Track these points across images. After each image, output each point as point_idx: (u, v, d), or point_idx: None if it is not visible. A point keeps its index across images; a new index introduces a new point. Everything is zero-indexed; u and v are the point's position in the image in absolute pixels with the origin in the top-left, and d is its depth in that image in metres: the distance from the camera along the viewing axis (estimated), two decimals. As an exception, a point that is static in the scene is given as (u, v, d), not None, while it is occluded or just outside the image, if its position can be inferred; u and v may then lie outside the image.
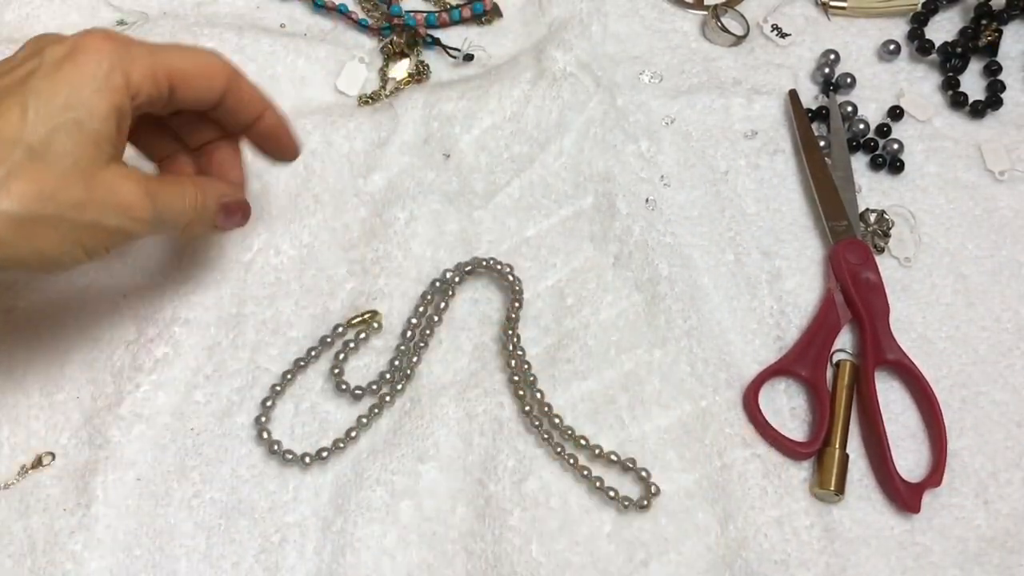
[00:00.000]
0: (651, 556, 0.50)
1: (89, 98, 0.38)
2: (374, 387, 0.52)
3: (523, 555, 0.49)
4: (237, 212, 0.47)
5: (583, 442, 0.51)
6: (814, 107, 0.63)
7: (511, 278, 0.54)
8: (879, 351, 0.55)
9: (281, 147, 0.48)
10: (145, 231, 0.42)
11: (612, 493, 0.50)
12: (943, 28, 0.67)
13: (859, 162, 0.62)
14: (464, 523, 0.50)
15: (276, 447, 0.50)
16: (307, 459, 0.50)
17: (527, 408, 0.52)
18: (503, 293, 0.56)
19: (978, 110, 0.64)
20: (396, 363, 0.53)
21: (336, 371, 0.52)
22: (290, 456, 0.50)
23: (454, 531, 0.49)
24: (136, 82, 0.40)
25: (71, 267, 0.40)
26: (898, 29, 0.67)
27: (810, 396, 0.55)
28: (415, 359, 0.53)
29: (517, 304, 0.54)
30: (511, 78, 0.61)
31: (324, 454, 0.50)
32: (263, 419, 0.51)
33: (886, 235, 0.59)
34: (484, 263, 0.55)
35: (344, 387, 0.51)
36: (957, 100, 0.64)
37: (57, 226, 0.38)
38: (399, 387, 0.52)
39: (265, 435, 0.50)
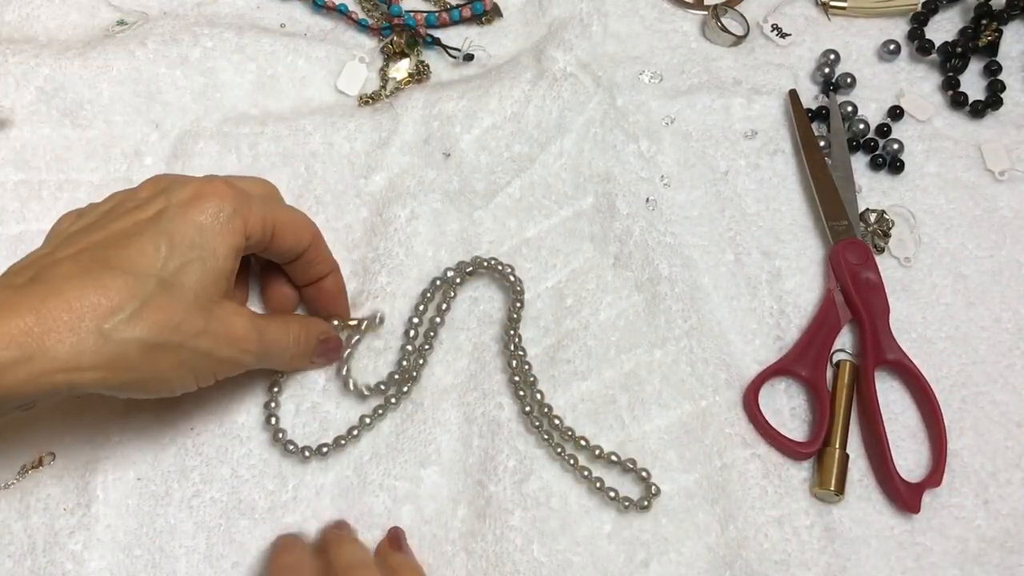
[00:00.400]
0: (651, 556, 0.50)
1: (213, 239, 0.42)
2: (382, 387, 0.51)
3: (524, 555, 0.49)
4: (334, 349, 0.51)
5: (583, 443, 0.51)
6: (814, 107, 0.63)
7: (512, 278, 0.54)
8: (879, 351, 0.55)
9: (333, 309, 0.52)
10: (252, 363, 0.45)
11: (612, 494, 0.50)
12: (943, 28, 0.67)
13: (859, 162, 0.62)
14: (465, 524, 0.50)
15: (280, 435, 0.50)
16: (307, 452, 0.50)
17: (527, 409, 0.52)
18: (503, 293, 0.56)
19: (978, 110, 0.64)
20: (404, 363, 0.52)
21: (344, 370, 0.52)
22: (291, 448, 0.50)
23: (455, 532, 0.50)
24: (251, 226, 0.44)
25: (179, 392, 0.43)
26: (898, 29, 0.67)
27: (810, 396, 0.55)
28: (421, 361, 0.53)
29: (519, 304, 0.54)
30: (511, 78, 0.61)
31: (324, 450, 0.50)
32: (272, 404, 0.51)
33: (886, 235, 0.59)
34: (485, 263, 0.55)
35: (352, 387, 0.52)
36: (957, 100, 0.64)
37: (178, 353, 0.41)
38: (405, 389, 0.52)
39: (273, 420, 0.50)
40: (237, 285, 0.46)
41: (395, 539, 0.48)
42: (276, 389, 0.51)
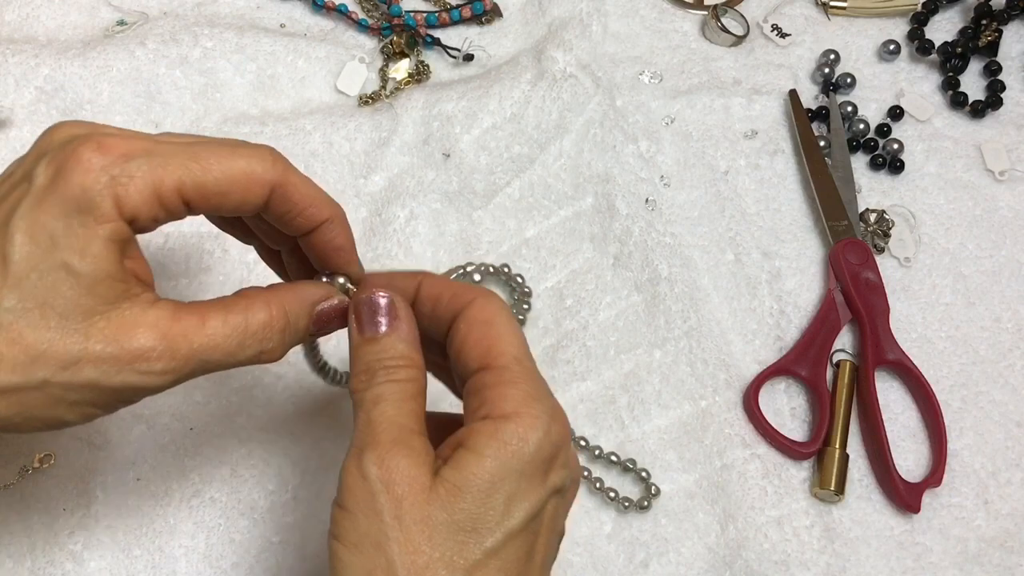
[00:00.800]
0: (651, 556, 0.50)
1: (75, 234, 0.31)
2: None
3: (523, 555, 0.49)
4: (334, 319, 0.38)
5: (583, 443, 0.51)
6: (814, 107, 0.63)
7: (519, 280, 0.55)
8: (879, 351, 0.55)
9: (334, 268, 0.39)
10: (169, 382, 0.34)
11: (612, 494, 0.50)
12: (943, 28, 0.67)
13: (859, 162, 0.62)
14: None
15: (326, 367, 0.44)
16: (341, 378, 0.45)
17: (527, 408, 0.51)
18: (504, 293, 0.56)
19: (978, 110, 0.64)
20: None
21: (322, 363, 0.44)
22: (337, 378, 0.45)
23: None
24: (133, 204, 0.32)
25: (82, 423, 0.35)
26: (898, 29, 0.67)
27: (810, 396, 0.55)
28: None
29: (526, 307, 0.54)
30: (511, 78, 0.61)
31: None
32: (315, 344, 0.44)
33: (886, 235, 0.59)
34: (492, 268, 0.55)
35: (333, 377, 0.45)
36: (957, 100, 0.64)
37: (46, 391, 0.32)
38: None
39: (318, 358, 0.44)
40: (138, 263, 0.34)
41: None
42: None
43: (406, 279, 0.39)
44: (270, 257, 0.42)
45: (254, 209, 0.35)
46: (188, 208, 0.34)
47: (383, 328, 0.36)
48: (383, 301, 0.37)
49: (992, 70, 0.65)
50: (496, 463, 0.33)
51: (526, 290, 0.54)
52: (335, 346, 0.48)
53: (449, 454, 0.34)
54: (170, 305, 0.34)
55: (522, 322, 0.54)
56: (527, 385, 0.35)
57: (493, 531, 0.33)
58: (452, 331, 0.37)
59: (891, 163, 0.62)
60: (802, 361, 0.54)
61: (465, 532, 0.32)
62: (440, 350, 0.38)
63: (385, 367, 0.36)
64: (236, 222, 0.40)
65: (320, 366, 0.43)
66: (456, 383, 0.38)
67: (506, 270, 0.55)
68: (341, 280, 0.39)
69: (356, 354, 0.37)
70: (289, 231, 0.37)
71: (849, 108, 0.63)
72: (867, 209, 0.60)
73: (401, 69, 0.62)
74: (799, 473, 0.53)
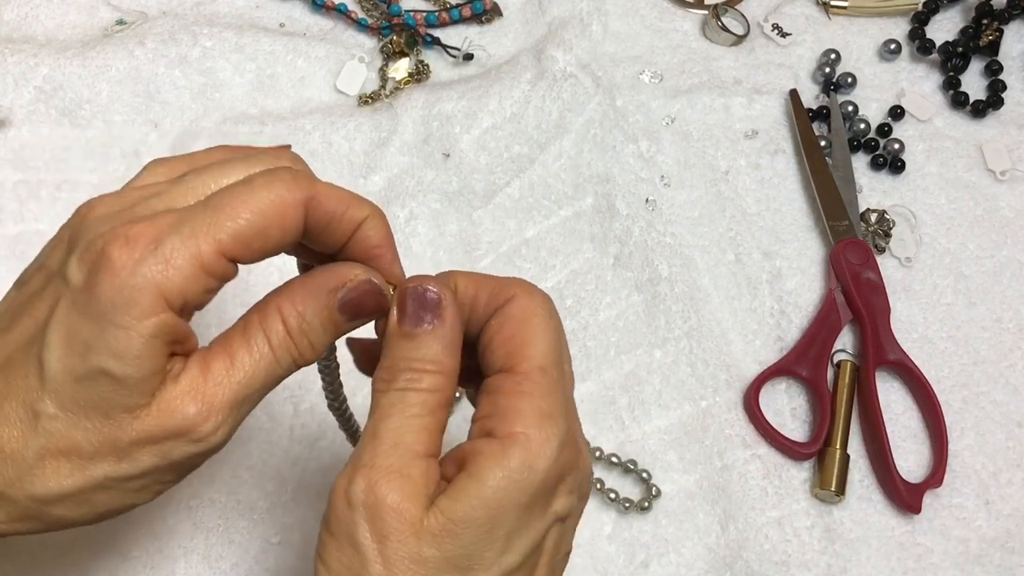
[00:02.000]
0: (651, 557, 0.50)
1: (113, 337, 0.30)
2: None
3: (523, 556, 0.49)
4: (367, 301, 0.34)
5: (583, 443, 0.51)
6: (815, 107, 0.63)
7: None
8: (880, 351, 0.55)
9: (378, 267, 0.34)
10: (225, 434, 0.33)
11: (613, 495, 0.50)
12: (944, 27, 0.67)
13: (860, 162, 0.62)
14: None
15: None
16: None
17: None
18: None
19: (979, 110, 0.63)
20: None
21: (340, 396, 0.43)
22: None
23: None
24: (179, 289, 0.30)
25: (155, 498, 0.34)
26: (899, 28, 0.67)
27: (811, 396, 0.55)
28: None
29: None
30: (511, 78, 0.61)
31: None
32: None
33: (887, 235, 0.59)
34: None
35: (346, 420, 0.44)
36: (958, 100, 0.64)
37: (109, 486, 0.32)
38: None
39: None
40: (185, 342, 0.32)
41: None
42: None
43: (436, 282, 0.35)
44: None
45: (296, 235, 0.32)
46: (234, 263, 0.32)
47: (425, 325, 0.33)
48: (432, 295, 0.33)
49: (993, 70, 0.65)
50: (499, 495, 0.30)
51: None
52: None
53: (452, 472, 0.32)
54: (197, 359, 0.32)
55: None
56: (543, 400, 0.32)
57: (488, 569, 0.31)
58: (485, 327, 0.34)
59: (892, 163, 0.62)
60: (803, 361, 0.54)
61: (458, 570, 0.30)
62: (471, 352, 0.35)
63: (411, 369, 0.33)
64: None
65: (337, 401, 0.41)
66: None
67: None
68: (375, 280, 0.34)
69: (387, 347, 0.34)
70: (332, 244, 0.34)
71: (850, 108, 0.63)
72: (868, 209, 0.60)
73: (401, 69, 0.62)
74: (800, 474, 0.53)
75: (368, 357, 0.36)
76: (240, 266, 0.32)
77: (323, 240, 0.33)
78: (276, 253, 0.32)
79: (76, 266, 0.31)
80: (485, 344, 0.34)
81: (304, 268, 0.37)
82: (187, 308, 0.31)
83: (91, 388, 0.30)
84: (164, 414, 0.31)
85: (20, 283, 0.34)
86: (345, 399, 0.41)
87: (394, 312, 0.34)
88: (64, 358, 0.30)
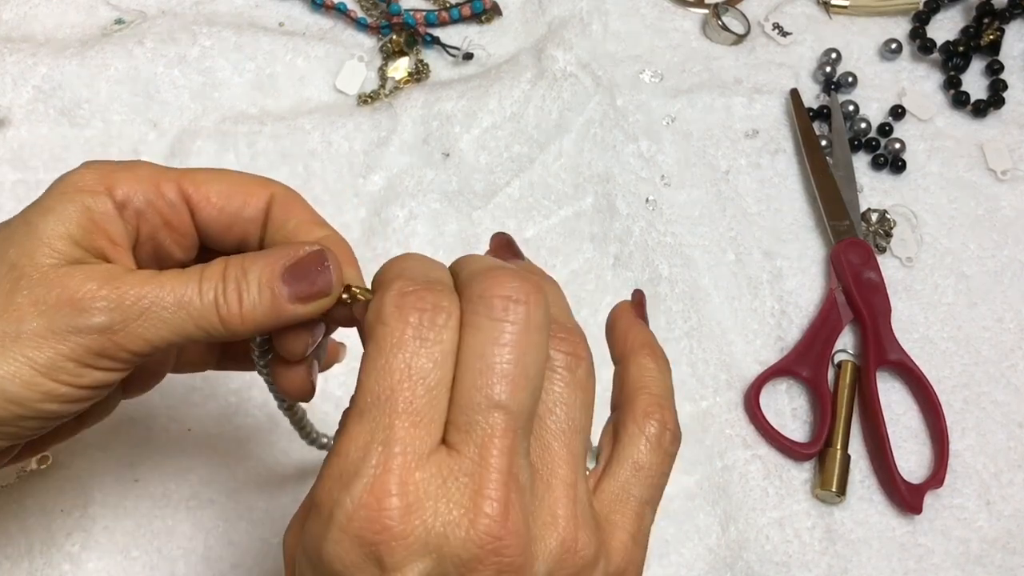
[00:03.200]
0: (652, 558, 0.50)
1: (48, 197, 0.33)
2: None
3: (523, 557, 0.49)
4: (313, 268, 0.32)
5: (583, 443, 0.51)
6: (815, 106, 0.63)
7: None
8: (881, 351, 0.54)
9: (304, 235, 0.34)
10: (103, 326, 0.30)
11: (612, 494, 0.50)
12: (945, 27, 0.67)
13: (861, 161, 0.62)
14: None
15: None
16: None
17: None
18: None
19: (980, 109, 0.63)
20: None
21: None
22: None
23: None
24: (125, 188, 0.32)
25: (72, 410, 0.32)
26: (900, 28, 0.67)
27: (811, 397, 0.55)
28: None
29: None
30: (511, 78, 0.61)
31: None
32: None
33: (888, 235, 0.59)
34: None
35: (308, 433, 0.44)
36: (959, 99, 0.64)
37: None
38: None
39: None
40: (117, 246, 0.33)
41: (506, 245, 0.34)
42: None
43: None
44: None
45: (257, 213, 0.33)
46: (191, 210, 0.33)
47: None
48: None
49: (994, 69, 0.65)
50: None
51: None
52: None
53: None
54: (121, 264, 0.32)
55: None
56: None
57: None
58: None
59: (893, 162, 0.62)
60: (803, 361, 0.54)
61: None
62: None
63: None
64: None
65: (310, 437, 0.42)
66: None
67: None
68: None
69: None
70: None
71: (851, 107, 0.63)
72: (869, 209, 0.60)
73: (400, 68, 0.62)
74: (800, 474, 0.52)
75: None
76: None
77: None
78: (229, 232, 0.34)
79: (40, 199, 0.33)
80: None
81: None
82: (125, 211, 0.33)
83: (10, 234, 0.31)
84: (65, 283, 0.30)
85: None
86: (315, 430, 0.43)
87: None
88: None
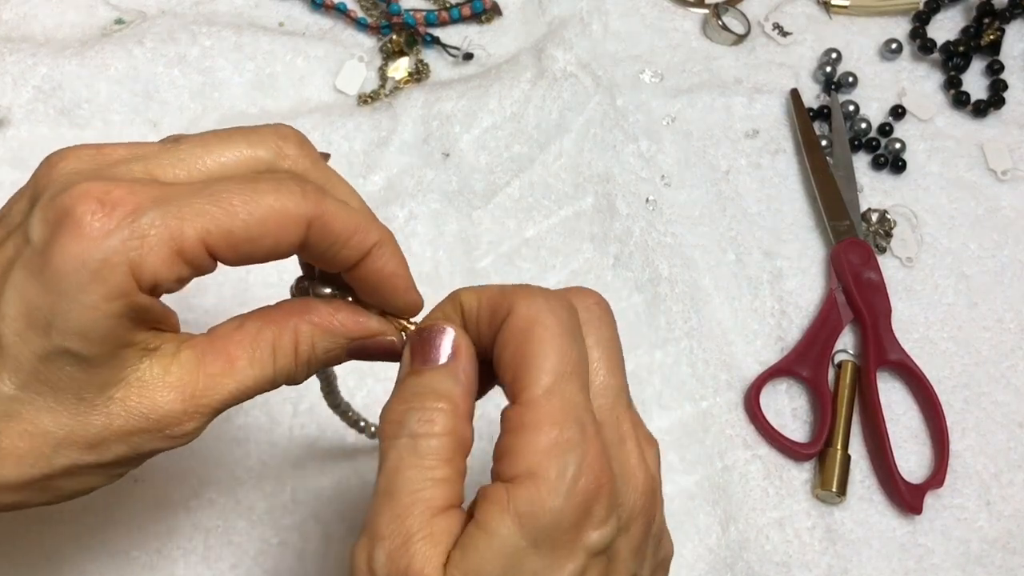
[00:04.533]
0: (652, 558, 0.50)
1: (76, 316, 0.27)
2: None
3: (523, 557, 0.49)
4: (379, 352, 0.33)
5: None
6: (816, 106, 0.63)
7: None
8: (881, 351, 0.54)
9: (389, 299, 0.33)
10: (197, 436, 0.31)
11: (613, 495, 0.50)
12: (945, 27, 0.67)
13: (861, 161, 0.62)
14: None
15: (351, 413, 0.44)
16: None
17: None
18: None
19: (980, 109, 0.63)
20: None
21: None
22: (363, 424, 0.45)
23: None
24: (152, 270, 0.27)
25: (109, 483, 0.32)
26: (900, 28, 0.67)
27: (812, 397, 0.54)
28: None
29: None
30: (511, 78, 0.61)
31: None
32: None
33: (888, 235, 0.59)
34: None
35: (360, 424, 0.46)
36: (959, 99, 0.64)
37: (75, 473, 0.30)
38: None
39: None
40: (161, 321, 0.30)
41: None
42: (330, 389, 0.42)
43: (443, 310, 0.33)
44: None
45: (289, 251, 0.30)
46: (216, 259, 0.29)
47: (436, 361, 0.31)
48: (441, 335, 0.31)
49: (994, 69, 0.65)
50: (508, 542, 0.28)
51: None
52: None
53: (463, 528, 0.29)
54: (194, 352, 0.30)
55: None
56: (551, 430, 0.28)
57: None
58: (494, 348, 0.30)
59: (893, 163, 0.61)
60: (804, 361, 0.54)
61: None
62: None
63: (423, 409, 0.30)
64: None
65: (337, 404, 0.41)
66: None
67: None
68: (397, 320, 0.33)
69: (397, 391, 0.31)
70: (333, 266, 0.31)
71: (851, 107, 0.63)
72: (869, 209, 0.60)
73: (400, 68, 0.62)
74: (800, 474, 0.52)
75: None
76: (243, 268, 0.31)
77: (324, 261, 0.31)
78: (262, 262, 0.30)
79: (38, 223, 0.27)
80: (495, 369, 0.30)
81: (306, 267, 0.35)
82: (156, 292, 0.29)
83: (55, 369, 0.28)
84: (143, 400, 0.29)
85: None
86: (342, 398, 0.42)
87: (407, 356, 0.32)
88: (23, 333, 0.27)
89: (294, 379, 0.32)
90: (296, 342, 0.31)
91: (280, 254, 0.30)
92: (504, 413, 0.30)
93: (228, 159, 0.30)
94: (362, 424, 0.44)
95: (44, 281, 0.27)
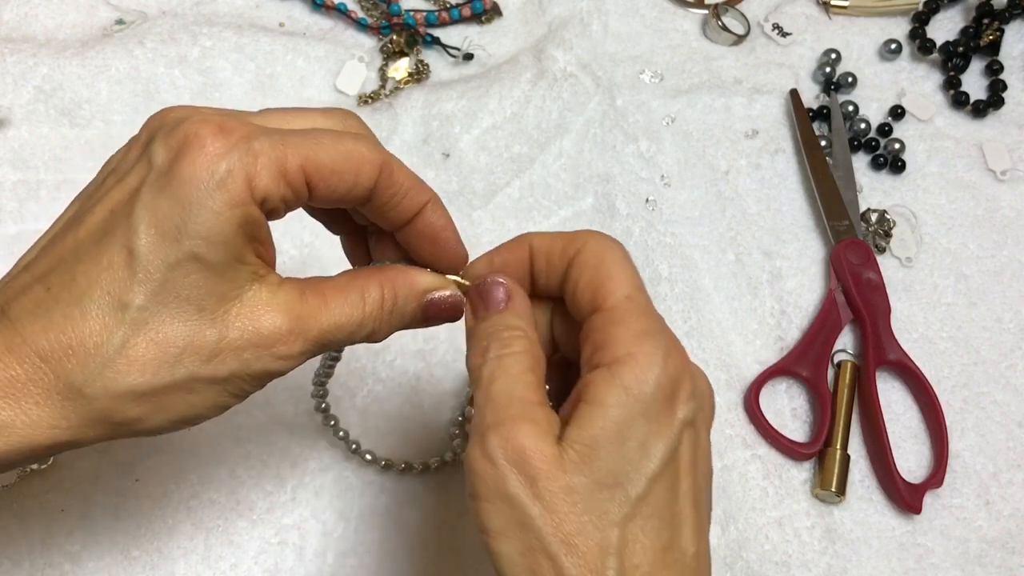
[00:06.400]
0: (651, 557, 0.50)
1: (205, 221, 0.30)
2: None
3: (523, 556, 0.49)
4: (446, 312, 0.37)
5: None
6: (815, 106, 0.63)
7: None
8: (880, 351, 0.54)
9: (441, 252, 0.37)
10: (298, 364, 0.34)
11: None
12: (944, 27, 0.67)
13: (860, 162, 0.62)
14: (471, 529, 0.49)
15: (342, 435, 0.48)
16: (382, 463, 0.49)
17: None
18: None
19: (979, 109, 0.63)
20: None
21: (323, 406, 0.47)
22: (369, 457, 0.49)
23: (459, 538, 0.49)
24: (263, 186, 0.31)
25: (216, 415, 0.34)
26: (899, 28, 0.67)
27: (811, 397, 0.55)
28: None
29: None
30: (511, 78, 0.61)
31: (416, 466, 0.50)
32: (324, 405, 0.47)
33: (887, 235, 0.59)
34: None
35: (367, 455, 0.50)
36: (958, 99, 0.64)
37: (191, 388, 0.32)
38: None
39: (332, 422, 0.48)
40: (266, 246, 0.33)
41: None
42: (323, 392, 0.45)
43: (512, 249, 0.37)
44: (356, 251, 0.39)
45: (365, 192, 0.34)
46: (310, 189, 0.33)
47: (498, 306, 0.36)
48: (498, 286, 0.36)
49: (993, 69, 0.65)
50: (620, 411, 0.31)
51: None
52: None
53: (571, 412, 0.32)
54: (295, 286, 0.34)
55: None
56: (637, 322, 0.33)
57: (635, 481, 0.31)
58: (565, 282, 0.36)
59: (892, 163, 0.62)
60: (803, 361, 0.54)
61: (608, 488, 0.31)
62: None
63: (499, 339, 0.35)
64: (331, 209, 0.37)
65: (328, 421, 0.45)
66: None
67: None
68: (453, 277, 0.37)
69: (471, 336, 0.36)
70: (392, 220, 0.36)
71: (850, 107, 0.63)
72: (868, 209, 0.60)
73: (401, 68, 0.62)
74: (800, 474, 0.53)
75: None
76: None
77: (386, 212, 0.35)
78: (342, 203, 0.34)
79: (161, 149, 0.31)
80: (570, 298, 0.35)
81: (352, 246, 0.39)
82: (264, 207, 0.32)
83: (182, 276, 0.30)
84: (255, 316, 0.32)
85: (86, 191, 0.34)
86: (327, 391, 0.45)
87: (469, 312, 0.37)
88: (156, 244, 0.30)
89: (377, 331, 0.35)
90: (382, 292, 0.35)
91: (358, 195, 0.34)
92: (590, 322, 0.34)
93: (307, 123, 0.34)
94: (330, 413, 0.46)
95: (172, 194, 0.30)
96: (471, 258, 0.38)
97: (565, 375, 0.38)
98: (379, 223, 0.36)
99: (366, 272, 0.36)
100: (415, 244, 0.37)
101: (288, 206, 0.33)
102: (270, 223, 0.33)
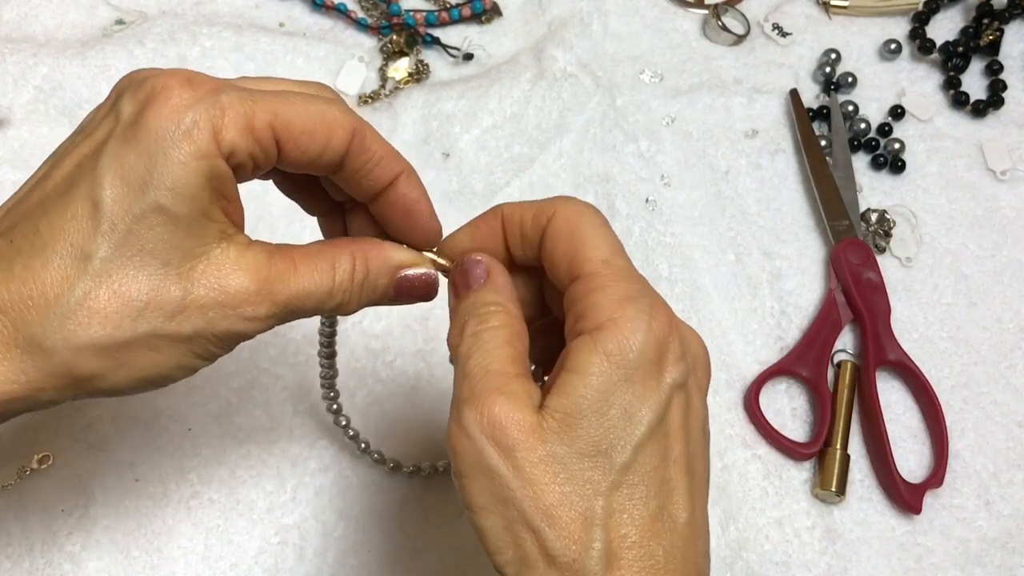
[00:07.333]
0: (651, 557, 0.50)
1: (171, 172, 0.30)
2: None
3: (523, 556, 0.49)
4: (420, 289, 0.36)
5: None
6: (815, 106, 0.63)
7: None
8: (880, 351, 0.55)
9: (415, 225, 0.36)
10: (265, 328, 0.33)
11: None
12: (944, 27, 0.67)
13: (860, 162, 0.62)
14: (471, 528, 0.49)
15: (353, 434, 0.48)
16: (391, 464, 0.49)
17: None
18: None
19: (979, 109, 0.63)
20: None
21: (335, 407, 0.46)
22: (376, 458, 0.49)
23: (459, 538, 0.49)
24: (230, 139, 0.31)
25: (183, 377, 0.33)
26: (899, 28, 0.67)
27: (811, 396, 0.55)
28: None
29: None
30: (511, 78, 0.61)
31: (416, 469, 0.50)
32: (335, 406, 0.46)
33: (887, 235, 0.59)
34: None
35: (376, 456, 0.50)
36: (958, 99, 0.64)
37: (153, 344, 0.31)
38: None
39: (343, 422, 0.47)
40: (234, 205, 0.33)
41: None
42: (333, 394, 0.45)
43: (486, 221, 0.37)
44: (333, 234, 0.39)
45: (337, 157, 0.33)
46: (279, 149, 0.32)
47: (477, 283, 0.35)
48: (476, 264, 0.36)
49: (993, 69, 0.65)
50: (601, 378, 0.30)
51: None
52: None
53: (552, 381, 0.32)
54: (265, 248, 0.33)
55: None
56: (617, 287, 0.32)
57: (620, 448, 0.30)
58: (542, 252, 0.35)
59: (892, 163, 0.62)
60: (803, 361, 0.54)
61: (591, 457, 0.30)
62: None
63: (476, 315, 0.34)
64: (305, 184, 0.37)
65: (331, 383, 0.44)
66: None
67: None
68: (429, 255, 0.37)
69: (452, 315, 0.35)
70: (365, 189, 0.35)
71: (850, 107, 0.63)
72: (868, 209, 0.60)
73: (400, 68, 0.62)
74: (800, 474, 0.53)
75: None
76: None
77: (359, 179, 0.34)
78: (314, 168, 0.33)
79: (128, 103, 0.31)
80: (548, 268, 0.35)
81: (329, 227, 0.38)
82: (231, 161, 0.31)
83: (147, 229, 0.30)
84: (221, 274, 0.31)
85: (57, 151, 0.33)
86: (336, 371, 0.43)
87: (450, 292, 0.36)
88: (121, 196, 0.30)
89: (347, 303, 0.35)
90: (353, 263, 0.34)
91: (330, 159, 0.33)
92: (570, 291, 0.33)
93: (281, 87, 0.34)
94: (336, 396, 0.45)
95: (138, 144, 0.30)
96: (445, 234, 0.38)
97: (561, 338, 0.36)
98: (352, 193, 0.35)
99: (339, 241, 0.36)
100: (389, 216, 0.36)
101: (257, 164, 0.32)
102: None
